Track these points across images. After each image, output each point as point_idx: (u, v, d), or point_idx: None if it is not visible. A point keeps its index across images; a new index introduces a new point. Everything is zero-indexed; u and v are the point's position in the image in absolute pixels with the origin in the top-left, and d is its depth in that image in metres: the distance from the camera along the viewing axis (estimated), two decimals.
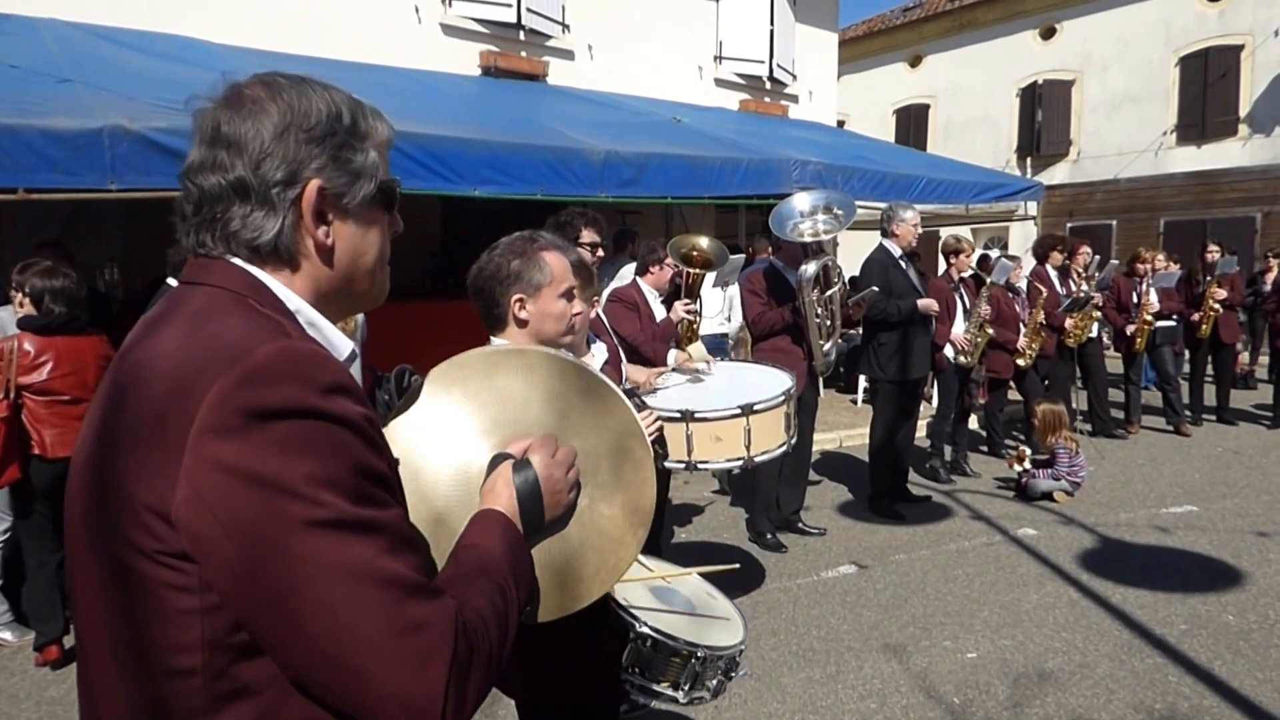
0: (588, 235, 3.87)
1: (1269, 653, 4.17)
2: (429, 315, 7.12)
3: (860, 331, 10.63)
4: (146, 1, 7.77)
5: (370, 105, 1.16)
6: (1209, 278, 9.30)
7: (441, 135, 6.14)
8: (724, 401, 3.54)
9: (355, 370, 1.04)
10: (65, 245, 6.35)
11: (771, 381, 3.82)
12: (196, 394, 0.91)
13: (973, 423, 8.33)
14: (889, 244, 6.32)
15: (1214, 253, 9.38)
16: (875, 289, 6.03)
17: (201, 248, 1.08)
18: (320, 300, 1.12)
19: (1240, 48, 16.86)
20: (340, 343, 1.13)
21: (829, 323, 5.60)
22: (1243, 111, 16.92)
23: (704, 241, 5.50)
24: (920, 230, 6.47)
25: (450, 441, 1.39)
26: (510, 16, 9.95)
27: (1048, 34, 19.74)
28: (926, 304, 6.27)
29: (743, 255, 8.37)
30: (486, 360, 1.48)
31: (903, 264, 6.26)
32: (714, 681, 2.28)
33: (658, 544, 4.73)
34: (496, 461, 1.33)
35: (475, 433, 1.40)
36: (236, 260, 1.07)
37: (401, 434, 1.38)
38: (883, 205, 6.64)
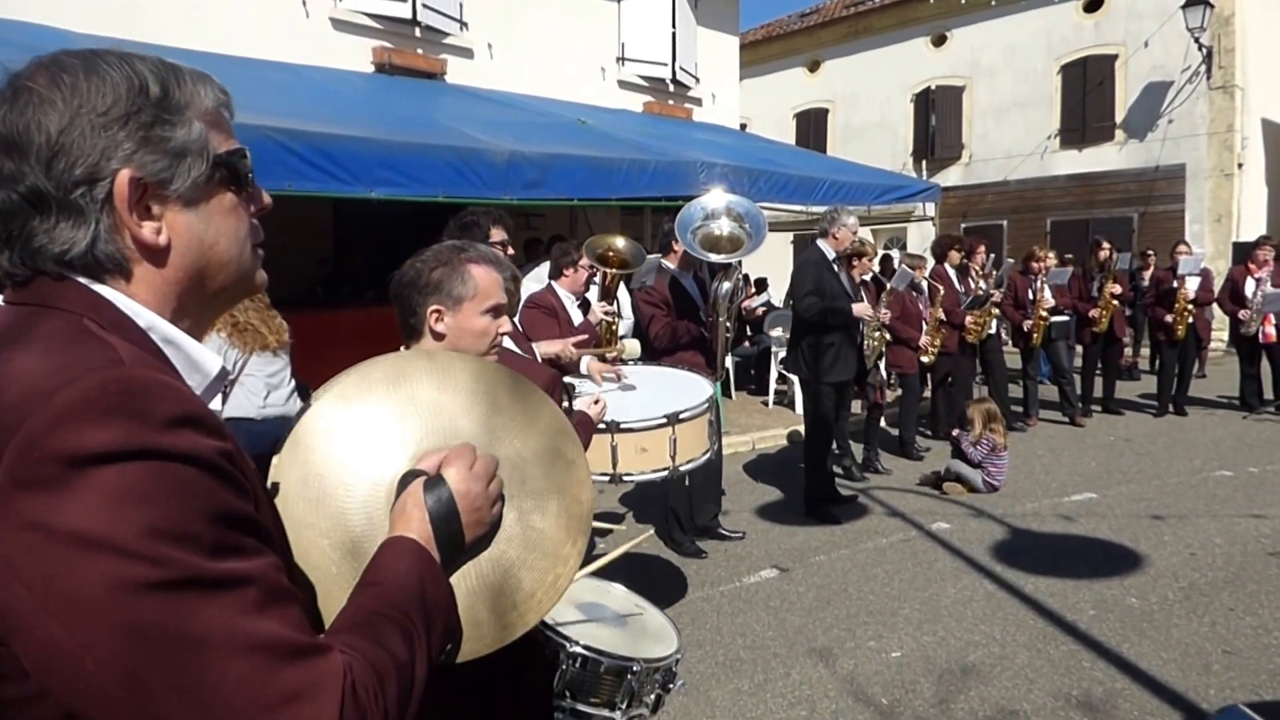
0: (496, 234, 3.70)
1: (1170, 633, 4.29)
2: (322, 326, 6.55)
3: (769, 334, 10.79)
4: None
5: (193, 69, 0.97)
6: (1104, 274, 9.66)
7: (333, 134, 5.81)
8: (649, 411, 3.42)
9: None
10: None
11: (693, 388, 3.72)
12: None
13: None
14: (824, 246, 6.37)
15: (1106, 250, 9.76)
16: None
17: (6, 274, 0.89)
18: (174, 308, 0.94)
19: (1115, 57, 17.67)
20: (206, 361, 0.95)
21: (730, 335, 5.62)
22: (1118, 117, 17.73)
23: (620, 242, 5.42)
24: (858, 235, 6.56)
25: (360, 458, 1.20)
26: (405, 12, 9.62)
27: (939, 41, 20.34)
28: (861, 309, 6.34)
29: (658, 256, 8.30)
30: (394, 366, 1.30)
31: (835, 267, 6.33)
32: (652, 696, 2.17)
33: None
34: (407, 480, 1.16)
35: (387, 447, 1.22)
36: (68, 274, 0.88)
37: (300, 454, 1.20)
38: (787, 207, 6.70)
